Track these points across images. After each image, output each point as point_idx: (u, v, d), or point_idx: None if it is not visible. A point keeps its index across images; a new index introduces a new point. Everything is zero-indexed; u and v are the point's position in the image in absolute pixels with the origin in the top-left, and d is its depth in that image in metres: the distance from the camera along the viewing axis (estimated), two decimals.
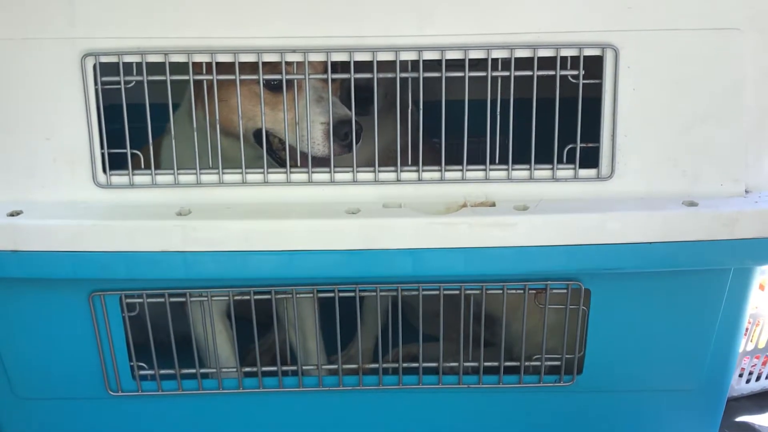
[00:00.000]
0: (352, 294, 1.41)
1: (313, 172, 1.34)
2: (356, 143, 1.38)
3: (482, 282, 1.39)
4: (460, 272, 1.33)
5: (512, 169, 1.36)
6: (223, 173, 1.34)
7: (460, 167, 1.35)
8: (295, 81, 1.38)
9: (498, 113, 1.34)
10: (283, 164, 1.41)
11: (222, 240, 1.29)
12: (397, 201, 1.34)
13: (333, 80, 1.34)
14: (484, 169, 1.35)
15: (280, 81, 1.37)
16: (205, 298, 1.41)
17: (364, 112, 1.66)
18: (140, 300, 1.40)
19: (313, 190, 1.35)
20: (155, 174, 1.35)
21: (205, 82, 1.37)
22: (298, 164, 1.38)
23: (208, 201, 1.34)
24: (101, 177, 1.34)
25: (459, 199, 1.35)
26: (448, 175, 1.35)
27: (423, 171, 1.35)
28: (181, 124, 1.47)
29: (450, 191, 1.35)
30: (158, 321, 1.49)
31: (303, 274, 1.32)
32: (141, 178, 1.35)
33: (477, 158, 1.38)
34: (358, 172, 1.35)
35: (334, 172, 1.35)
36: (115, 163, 1.39)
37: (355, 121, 1.38)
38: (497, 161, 1.36)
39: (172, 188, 1.35)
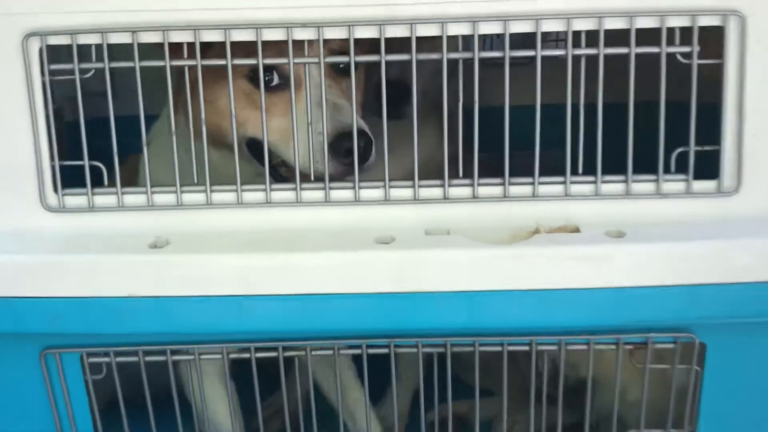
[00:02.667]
0: (386, 350, 1.14)
1: (331, 189, 1.08)
2: (365, 162, 1.11)
3: (561, 335, 1.12)
4: (532, 323, 1.06)
5: (602, 182, 1.08)
6: (212, 191, 1.08)
7: (530, 179, 1.07)
8: (305, 74, 1.11)
9: (582, 103, 1.09)
10: (285, 181, 1.15)
11: (211, 280, 1.03)
12: (445, 226, 1.07)
13: (355, 71, 1.07)
14: (563, 182, 1.07)
15: (278, 77, 1.15)
16: (192, 356, 1.17)
17: (399, 115, 1.43)
18: (107, 359, 1.17)
19: (332, 212, 1.09)
20: (122, 193, 1.09)
21: (187, 77, 1.13)
22: (312, 178, 1.11)
23: (193, 228, 1.08)
24: (51, 198, 1.09)
25: (529, 223, 1.07)
26: (514, 190, 1.07)
27: (479, 185, 1.08)
28: (163, 136, 1.22)
29: (516, 212, 1.08)
30: (138, 378, 1.26)
31: (319, 325, 1.05)
32: (104, 199, 1.09)
33: (552, 168, 1.14)
34: (391, 187, 1.08)
35: (360, 188, 1.08)
36: (73, 179, 1.17)
37: (364, 132, 1.12)
38: (580, 171, 1.11)
39: (145, 211, 1.09)
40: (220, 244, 1.06)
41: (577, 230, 1.08)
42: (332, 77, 1.18)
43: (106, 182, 1.09)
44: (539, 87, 1.05)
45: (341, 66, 1.17)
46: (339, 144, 1.09)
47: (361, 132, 1.10)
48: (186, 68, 1.11)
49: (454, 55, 1.05)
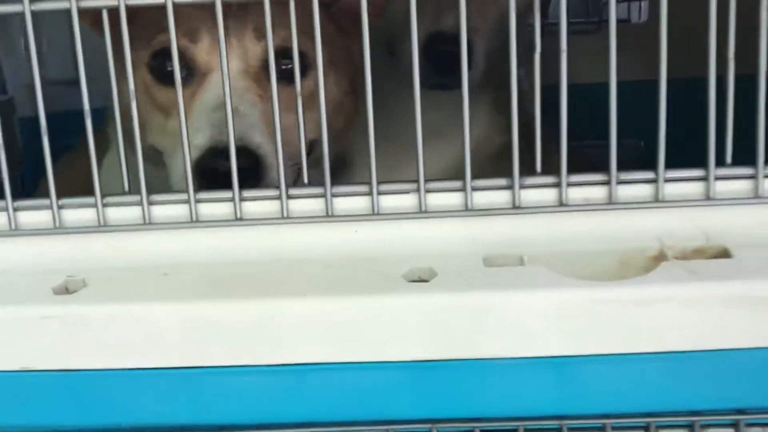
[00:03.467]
0: None
1: (335, 195, 0.69)
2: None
3: (704, 415, 0.72)
4: (664, 403, 0.70)
5: (764, 176, 0.72)
6: (150, 203, 0.70)
7: (650, 174, 0.68)
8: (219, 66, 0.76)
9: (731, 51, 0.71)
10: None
11: (146, 345, 0.65)
12: (515, 251, 0.69)
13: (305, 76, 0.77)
14: (704, 177, 0.68)
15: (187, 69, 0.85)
16: None
17: (446, 83, 1.07)
18: None
19: (337, 231, 0.70)
20: (15, 209, 0.73)
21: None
22: (305, 181, 0.71)
23: (121, 260, 0.72)
24: None
25: (648, 243, 0.68)
26: (625, 192, 0.68)
27: (570, 185, 0.68)
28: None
29: (628, 226, 0.69)
30: None
31: (317, 412, 0.67)
32: None
33: (673, 157, 0.77)
34: (430, 192, 0.69)
35: (379, 193, 0.69)
36: None
37: (248, 150, 0.80)
38: (728, 160, 0.72)
39: (49, 236, 0.76)
40: (162, 287, 0.70)
41: (726, 254, 0.71)
42: (256, 76, 0.86)
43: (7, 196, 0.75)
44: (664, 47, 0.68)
45: (284, 66, 0.83)
46: (206, 164, 0.76)
47: (242, 150, 0.76)
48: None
49: None
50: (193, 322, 0.65)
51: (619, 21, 1.97)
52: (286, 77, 0.78)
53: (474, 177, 0.70)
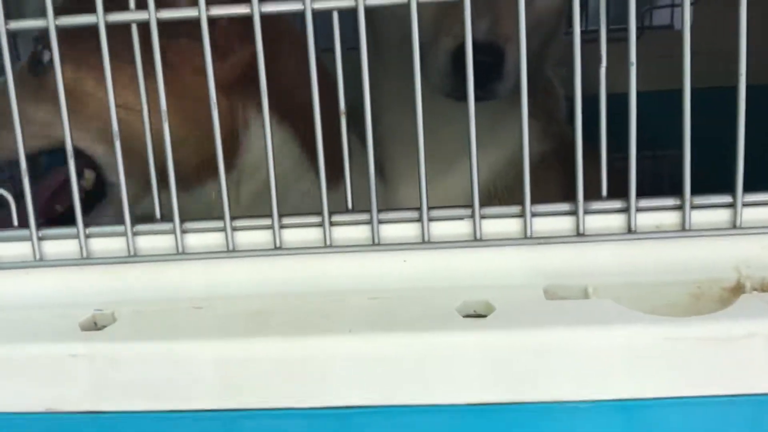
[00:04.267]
0: None
1: (381, 222, 0.64)
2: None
3: None
4: None
5: None
6: (183, 231, 0.65)
7: (727, 198, 0.63)
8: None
9: None
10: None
11: (181, 385, 0.60)
12: (580, 282, 0.64)
13: None
14: None
15: None
16: None
17: (484, 94, 1.02)
18: None
19: (383, 261, 0.65)
20: (39, 237, 0.67)
21: None
22: (349, 206, 0.65)
23: (154, 291, 0.67)
24: None
25: (725, 274, 0.63)
26: (700, 217, 0.63)
27: (639, 210, 0.63)
28: None
29: (701, 255, 0.64)
30: None
31: None
32: (9, 248, 0.68)
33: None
34: (485, 217, 0.64)
35: (430, 219, 0.64)
36: None
37: None
38: None
39: (76, 268, 0.67)
40: (196, 322, 0.66)
41: None
42: None
43: (15, 220, 0.72)
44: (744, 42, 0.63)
45: None
46: None
47: None
48: None
49: None
50: (229, 362, 0.61)
51: (661, 27, 1.89)
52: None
53: (512, 199, 0.66)
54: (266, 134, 0.64)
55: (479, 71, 0.95)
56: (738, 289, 0.63)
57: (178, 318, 0.64)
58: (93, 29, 0.64)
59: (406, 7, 0.62)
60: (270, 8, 0.63)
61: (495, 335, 0.60)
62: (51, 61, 0.66)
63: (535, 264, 0.64)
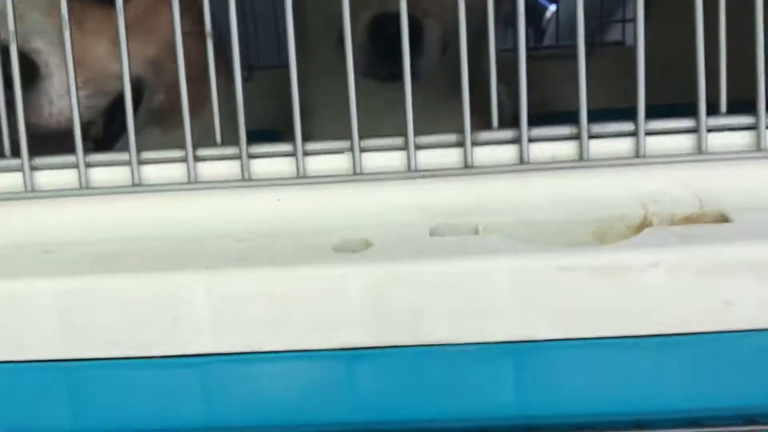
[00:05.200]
0: None
1: (252, 156, 0.58)
2: None
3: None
4: (652, 405, 0.59)
5: (766, 126, 0.58)
6: (32, 167, 0.58)
7: (629, 125, 0.57)
8: None
9: None
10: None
11: (17, 333, 0.53)
12: (470, 220, 0.58)
13: None
14: (695, 129, 0.56)
15: None
16: None
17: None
18: None
19: (254, 199, 0.59)
20: None
21: None
22: (218, 140, 0.59)
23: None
24: None
25: (631, 210, 0.57)
26: (599, 147, 0.57)
27: (531, 140, 0.57)
28: None
29: (603, 189, 0.58)
30: None
31: (229, 418, 0.55)
32: None
33: (661, 107, 0.66)
34: (365, 151, 0.58)
35: (306, 153, 0.57)
36: None
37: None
38: (723, 108, 0.58)
39: None
40: (39, 265, 0.58)
41: (724, 219, 0.60)
42: None
43: None
44: None
45: None
46: None
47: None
48: None
49: None
50: (70, 303, 0.54)
51: (612, 43, 1.87)
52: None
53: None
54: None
55: (395, 46, 0.92)
56: (646, 224, 0.58)
57: (20, 261, 0.58)
58: None
59: None
60: None
61: (368, 269, 0.53)
62: None
63: (421, 200, 0.58)
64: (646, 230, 0.56)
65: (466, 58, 0.56)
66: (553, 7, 2.15)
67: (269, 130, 0.90)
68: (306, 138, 0.61)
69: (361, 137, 0.58)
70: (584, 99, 0.56)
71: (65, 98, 0.68)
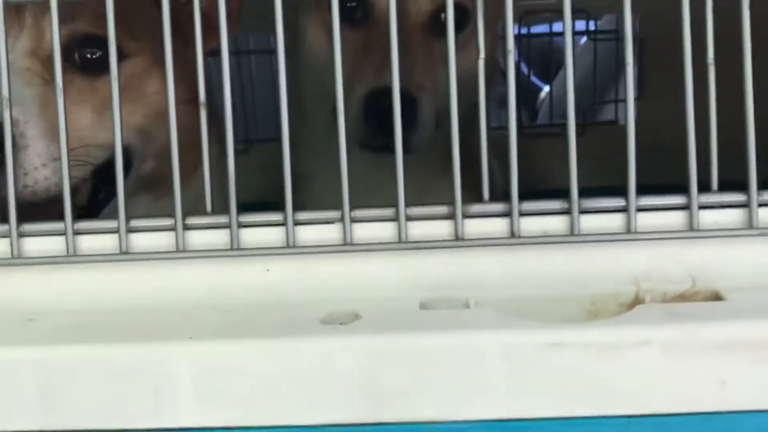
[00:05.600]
0: None
1: (243, 225, 0.57)
2: None
3: None
4: None
5: (758, 204, 0.57)
6: (20, 234, 0.57)
7: (620, 201, 0.57)
8: None
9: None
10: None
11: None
12: (460, 294, 0.57)
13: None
14: (686, 206, 0.56)
15: None
16: None
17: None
18: None
19: (243, 269, 0.58)
20: None
21: None
22: (208, 208, 0.59)
23: None
24: None
25: (623, 286, 0.56)
26: (590, 222, 0.56)
27: (522, 214, 0.56)
28: None
29: (595, 265, 0.57)
30: None
31: None
32: None
33: (653, 184, 0.66)
34: (356, 221, 0.57)
35: (296, 223, 0.57)
36: None
37: None
38: (714, 185, 0.57)
39: None
40: (21, 333, 0.58)
41: (717, 297, 0.60)
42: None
43: None
44: None
45: (90, 56, 0.75)
46: None
47: None
48: None
49: None
50: (49, 373, 0.53)
51: (606, 123, 1.89)
52: (91, 67, 0.70)
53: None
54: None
55: (390, 119, 0.93)
56: (638, 301, 0.57)
57: (1, 328, 0.57)
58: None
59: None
60: None
61: (356, 341, 0.52)
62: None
63: (411, 273, 0.58)
64: (638, 307, 0.56)
65: (457, 132, 0.56)
66: (546, 88, 2.19)
67: (265, 202, 0.91)
68: (300, 208, 0.61)
69: (352, 208, 0.58)
70: (575, 173, 0.56)
71: (41, 170, 0.69)
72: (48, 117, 0.69)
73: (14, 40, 0.73)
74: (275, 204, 0.88)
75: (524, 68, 1.91)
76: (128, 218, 0.58)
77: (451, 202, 0.58)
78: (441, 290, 0.57)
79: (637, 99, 1.82)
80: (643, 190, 0.60)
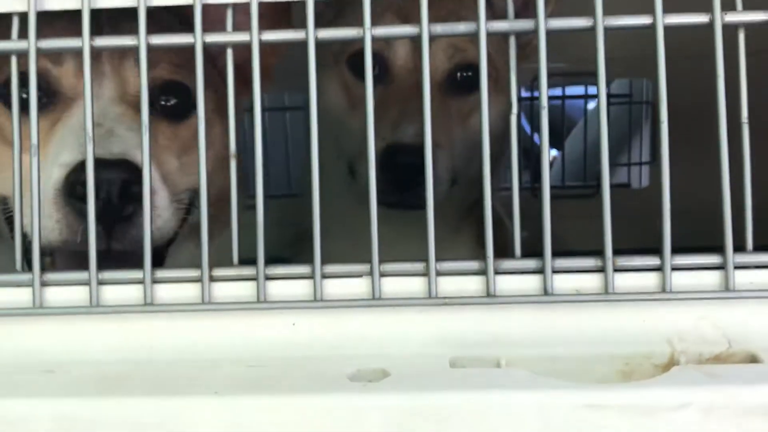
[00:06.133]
0: None
1: (269, 278, 0.56)
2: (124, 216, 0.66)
3: None
4: None
5: None
6: (43, 283, 0.56)
7: (655, 260, 0.56)
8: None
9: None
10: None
11: None
12: (490, 353, 0.55)
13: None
14: (722, 265, 0.55)
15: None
16: None
17: (411, 202, 1.00)
18: None
19: (269, 323, 0.57)
20: None
21: None
22: (235, 260, 0.58)
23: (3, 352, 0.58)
24: None
25: (656, 347, 0.55)
26: (625, 280, 0.55)
27: (555, 271, 0.55)
28: None
29: (629, 324, 0.56)
30: None
31: None
32: None
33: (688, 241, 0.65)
34: (385, 275, 0.56)
35: (324, 276, 0.56)
36: None
37: (127, 163, 0.66)
38: (750, 246, 0.57)
39: None
40: (40, 385, 0.56)
41: (753, 360, 0.58)
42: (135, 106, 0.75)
43: None
44: None
45: (165, 102, 0.76)
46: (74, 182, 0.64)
47: (124, 164, 0.64)
48: None
49: None
50: (71, 427, 0.52)
51: (618, 186, 1.90)
52: (167, 114, 0.71)
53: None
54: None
55: (406, 173, 0.93)
56: (673, 363, 0.56)
57: (22, 379, 0.55)
58: None
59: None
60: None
61: (386, 400, 0.51)
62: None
63: (440, 329, 0.56)
64: (675, 368, 0.54)
65: (489, 190, 0.56)
66: (554, 152, 2.20)
67: (276, 257, 0.91)
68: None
69: (380, 261, 0.57)
70: (609, 231, 0.56)
71: (166, 210, 0.68)
72: (159, 161, 0.70)
73: (97, 87, 0.72)
74: (286, 260, 0.88)
75: (528, 130, 1.92)
76: (153, 269, 0.58)
77: (478, 258, 0.58)
78: (471, 348, 0.56)
79: (649, 162, 1.83)
80: (653, 253, 0.60)
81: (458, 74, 1.07)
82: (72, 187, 0.61)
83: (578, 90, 1.94)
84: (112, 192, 0.62)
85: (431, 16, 0.95)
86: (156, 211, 0.66)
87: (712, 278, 0.57)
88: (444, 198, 1.01)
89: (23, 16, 0.59)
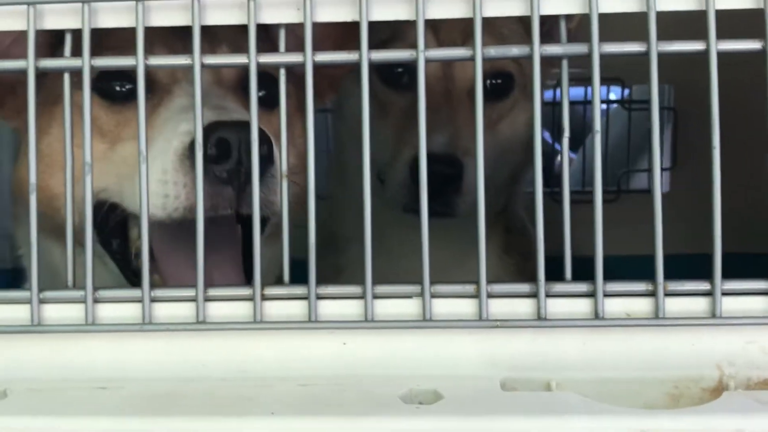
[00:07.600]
0: None
1: (320, 297, 0.57)
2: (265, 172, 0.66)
3: None
4: None
5: None
6: (96, 300, 0.57)
7: (704, 285, 0.56)
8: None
9: None
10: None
11: None
12: (541, 375, 0.56)
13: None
14: None
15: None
16: None
17: (446, 209, 1.01)
18: None
19: (320, 342, 0.57)
20: None
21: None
22: (286, 279, 0.58)
23: (57, 368, 0.58)
24: None
25: (706, 371, 0.56)
26: (675, 305, 0.56)
27: (607, 295, 0.55)
28: None
29: (678, 349, 0.56)
30: None
31: None
32: None
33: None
34: (436, 297, 0.57)
35: (375, 296, 0.57)
36: None
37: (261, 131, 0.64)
38: None
39: None
40: (93, 402, 0.54)
41: None
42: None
43: None
44: None
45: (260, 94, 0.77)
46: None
47: (244, 125, 0.63)
48: None
49: None
50: None
51: (639, 191, 1.90)
52: (262, 102, 0.72)
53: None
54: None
55: (436, 183, 0.94)
56: (722, 387, 0.57)
57: (74, 396, 0.56)
58: None
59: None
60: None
61: (440, 423, 0.52)
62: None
63: (491, 351, 0.57)
64: (725, 394, 0.55)
65: (541, 207, 0.57)
66: (573, 155, 2.21)
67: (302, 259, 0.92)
68: (337, 271, 0.61)
69: (432, 283, 0.58)
70: (660, 256, 0.56)
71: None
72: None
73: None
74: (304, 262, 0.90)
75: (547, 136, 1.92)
76: (206, 287, 0.59)
77: (531, 280, 0.58)
78: (522, 370, 0.57)
79: (670, 168, 1.83)
80: (670, 260, 0.61)
81: (488, 82, 1.08)
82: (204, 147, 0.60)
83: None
84: (243, 152, 0.63)
85: (452, 30, 0.95)
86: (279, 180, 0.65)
87: (761, 303, 0.58)
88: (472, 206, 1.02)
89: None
